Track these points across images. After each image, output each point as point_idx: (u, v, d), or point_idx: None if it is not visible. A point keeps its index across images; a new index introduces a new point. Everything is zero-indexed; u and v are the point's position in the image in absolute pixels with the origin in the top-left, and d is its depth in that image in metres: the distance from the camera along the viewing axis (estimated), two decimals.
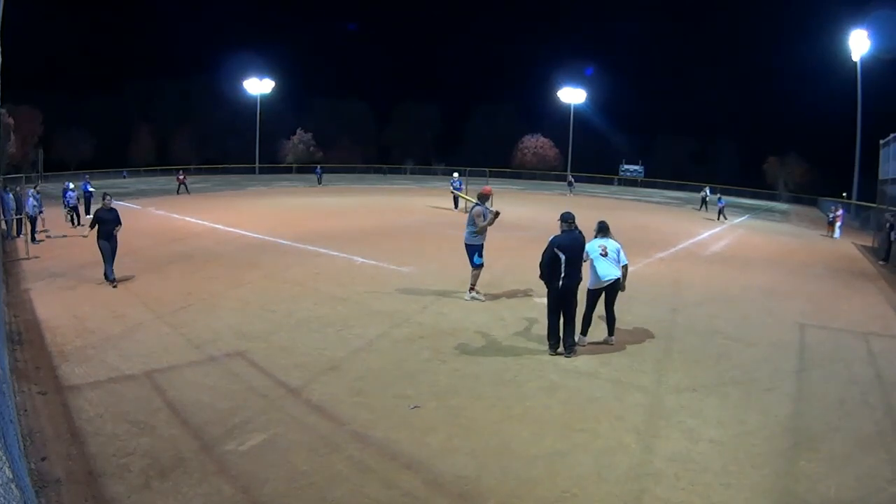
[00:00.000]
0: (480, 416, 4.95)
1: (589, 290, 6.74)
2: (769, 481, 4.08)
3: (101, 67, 60.30)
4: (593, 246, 6.69)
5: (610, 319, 6.90)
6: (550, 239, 6.35)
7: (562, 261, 6.15)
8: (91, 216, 18.50)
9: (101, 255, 9.28)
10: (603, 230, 6.92)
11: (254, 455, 4.19)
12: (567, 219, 6.39)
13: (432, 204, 26.33)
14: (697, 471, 4.15)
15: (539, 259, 6.38)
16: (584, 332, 6.78)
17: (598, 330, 6.92)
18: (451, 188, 24.25)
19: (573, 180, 40.69)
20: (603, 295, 6.74)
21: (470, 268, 8.73)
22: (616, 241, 6.85)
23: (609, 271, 6.60)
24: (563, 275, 6.16)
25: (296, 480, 3.89)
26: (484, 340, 6.94)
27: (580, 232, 6.45)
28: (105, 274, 9.22)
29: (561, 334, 6.38)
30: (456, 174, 26.03)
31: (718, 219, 25.53)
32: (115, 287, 9.06)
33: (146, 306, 8.10)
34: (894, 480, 4.13)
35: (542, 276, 6.37)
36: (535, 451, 4.39)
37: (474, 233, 8.57)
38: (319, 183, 38.98)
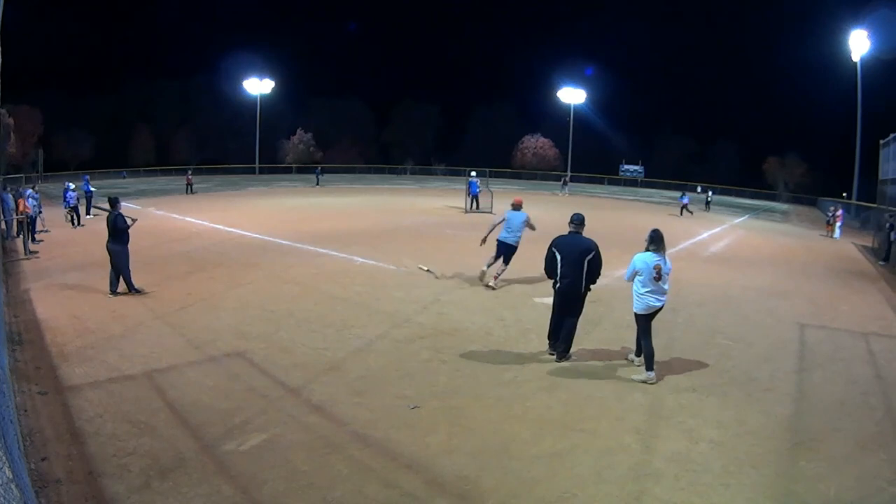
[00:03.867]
0: (480, 416, 4.94)
1: (638, 316, 5.89)
2: (769, 481, 4.07)
3: (101, 67, 60.51)
4: (648, 264, 5.72)
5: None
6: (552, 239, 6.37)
7: (557, 260, 6.15)
8: (90, 216, 18.74)
9: (112, 261, 8.60)
10: (655, 241, 5.79)
11: (254, 455, 4.18)
12: (574, 220, 6.31)
13: (433, 204, 26.33)
14: (697, 471, 4.15)
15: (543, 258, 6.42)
16: (638, 354, 6.10)
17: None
18: (469, 189, 23.46)
19: (568, 180, 41.68)
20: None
21: (485, 265, 9.76)
22: (668, 258, 5.91)
23: (661, 297, 5.80)
24: (559, 275, 6.16)
25: (296, 480, 3.89)
26: (484, 340, 6.94)
27: (579, 234, 6.27)
28: (132, 285, 8.70)
29: (558, 336, 6.33)
30: (473, 173, 25.34)
31: (681, 214, 26.19)
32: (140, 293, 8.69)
33: (146, 306, 8.09)
34: (894, 481, 4.13)
35: (547, 275, 6.39)
36: (535, 451, 4.39)
37: (519, 237, 9.51)
38: (318, 183, 38.81)
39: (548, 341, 6.50)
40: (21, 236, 12.74)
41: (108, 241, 8.66)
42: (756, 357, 6.74)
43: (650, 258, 5.75)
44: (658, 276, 5.71)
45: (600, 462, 4.24)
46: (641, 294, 5.78)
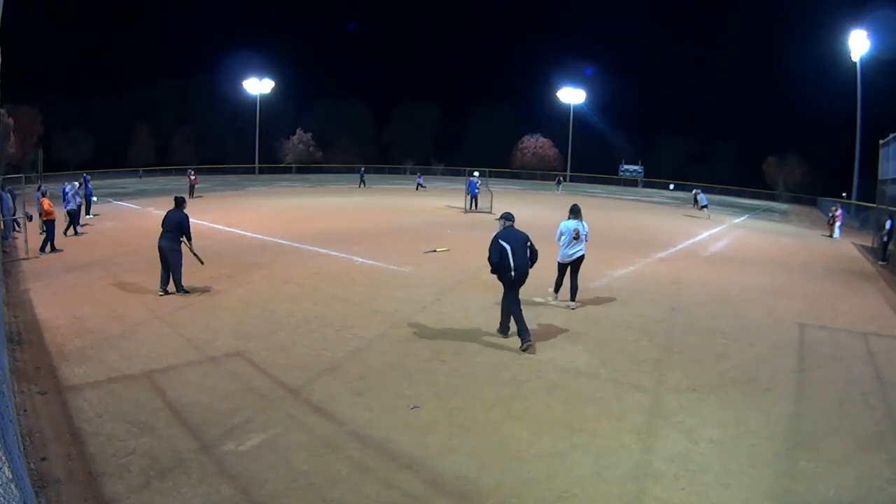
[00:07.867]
0: (480, 416, 4.94)
1: (559, 264, 8.46)
2: (769, 481, 4.07)
3: (101, 67, 60.37)
4: (569, 227, 8.28)
5: (574, 287, 8.45)
6: (494, 235, 6.81)
7: (508, 251, 6.62)
8: (90, 216, 18.73)
9: (162, 259, 8.70)
10: (575, 212, 8.42)
11: (253, 455, 4.18)
12: (507, 217, 7.02)
13: (433, 204, 26.34)
14: (697, 471, 4.15)
15: (488, 255, 6.79)
16: (556, 290, 8.60)
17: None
18: (469, 189, 23.49)
19: (562, 179, 47.18)
20: (569, 267, 8.41)
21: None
22: (586, 223, 8.41)
23: (578, 250, 8.31)
24: (511, 264, 6.60)
25: (295, 480, 3.89)
26: (484, 340, 6.94)
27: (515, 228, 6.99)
28: (181, 286, 8.78)
29: (518, 326, 6.68)
30: (476, 173, 25.13)
31: (417, 189, 29.68)
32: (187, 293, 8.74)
33: (146, 306, 8.09)
34: (894, 480, 4.13)
35: (493, 270, 6.77)
36: (534, 451, 4.39)
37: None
38: (363, 185, 37.78)
39: (500, 333, 6.96)
40: (41, 235, 12.73)
41: (160, 239, 8.76)
42: (756, 357, 6.74)
43: (571, 224, 8.32)
44: (577, 236, 8.23)
45: (600, 462, 4.24)
46: (564, 248, 8.32)
